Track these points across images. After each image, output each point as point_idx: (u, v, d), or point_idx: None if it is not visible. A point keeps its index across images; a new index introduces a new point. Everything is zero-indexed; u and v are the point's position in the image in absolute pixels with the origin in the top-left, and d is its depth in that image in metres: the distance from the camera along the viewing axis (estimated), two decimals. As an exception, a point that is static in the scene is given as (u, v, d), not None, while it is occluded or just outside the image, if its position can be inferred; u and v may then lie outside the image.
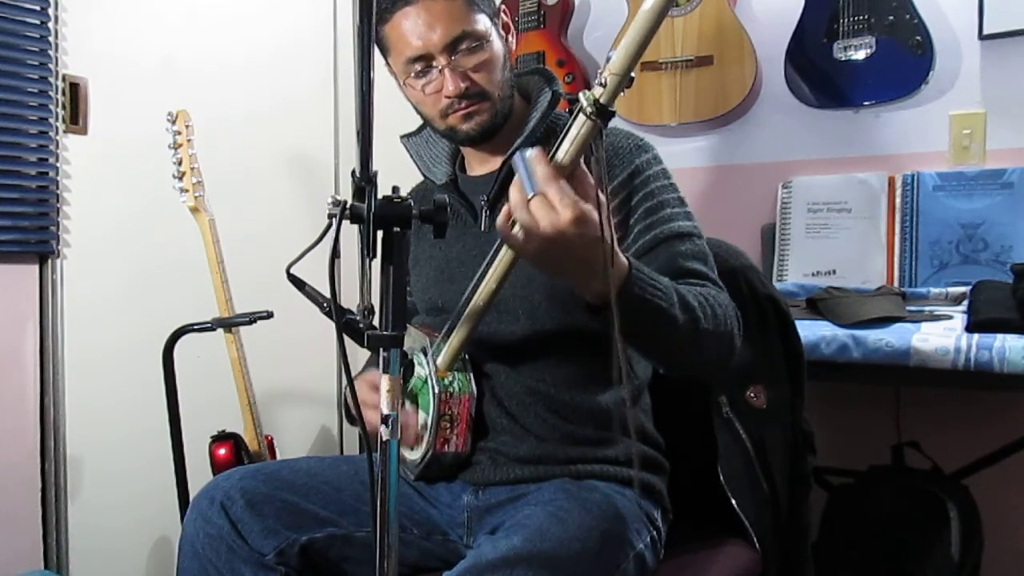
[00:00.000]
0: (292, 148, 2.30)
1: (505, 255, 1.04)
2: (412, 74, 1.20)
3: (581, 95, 0.93)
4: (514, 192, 0.95)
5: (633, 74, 0.92)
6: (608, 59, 0.92)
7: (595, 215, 0.94)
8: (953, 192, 1.99)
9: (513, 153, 1.21)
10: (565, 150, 0.96)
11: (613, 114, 0.93)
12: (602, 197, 0.95)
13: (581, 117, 0.93)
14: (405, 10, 1.17)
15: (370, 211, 0.85)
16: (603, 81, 0.91)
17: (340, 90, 2.40)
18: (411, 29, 1.17)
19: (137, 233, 1.94)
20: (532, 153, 0.95)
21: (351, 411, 1.31)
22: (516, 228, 0.96)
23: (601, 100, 0.92)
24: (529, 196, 0.93)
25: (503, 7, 1.28)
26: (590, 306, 1.02)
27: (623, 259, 1.00)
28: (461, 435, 1.19)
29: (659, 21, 0.89)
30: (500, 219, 0.98)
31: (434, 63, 1.18)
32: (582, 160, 0.97)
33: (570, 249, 0.94)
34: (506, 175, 1.24)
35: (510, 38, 1.27)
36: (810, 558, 1.38)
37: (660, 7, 0.88)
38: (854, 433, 2.05)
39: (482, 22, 1.19)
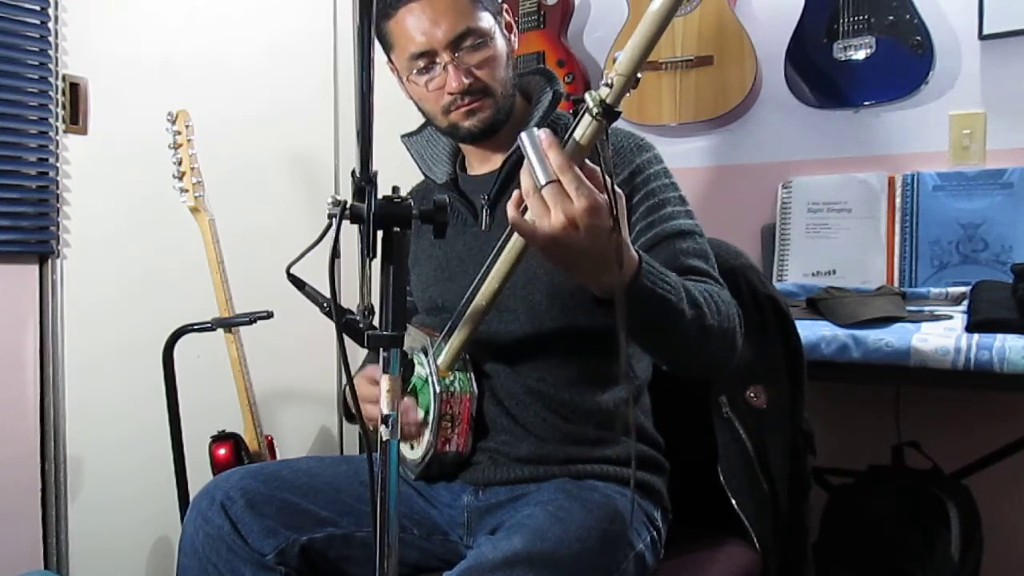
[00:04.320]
0: (292, 148, 2.30)
1: (508, 254, 1.03)
2: (415, 70, 1.20)
3: (587, 95, 0.92)
4: (525, 178, 0.93)
5: (639, 75, 0.92)
6: (614, 60, 0.92)
7: (608, 206, 0.93)
8: (953, 192, 1.99)
9: (512, 157, 1.22)
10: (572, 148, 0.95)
11: (619, 115, 0.93)
12: (616, 190, 0.94)
13: (587, 118, 0.93)
14: (409, 6, 1.17)
15: (370, 211, 0.85)
16: (609, 82, 0.91)
17: (340, 90, 2.40)
18: (415, 25, 1.17)
19: (137, 233, 1.94)
20: (542, 136, 0.92)
21: (350, 409, 1.31)
22: (527, 215, 0.94)
23: (607, 101, 0.91)
24: (542, 183, 0.91)
25: (505, 6, 1.28)
26: (597, 300, 1.01)
27: (633, 252, 0.99)
28: (462, 435, 1.19)
29: (666, 22, 0.89)
30: (511, 206, 0.95)
31: (437, 59, 1.18)
32: (587, 160, 0.97)
33: (582, 240, 0.91)
34: (507, 174, 1.24)
35: (512, 37, 1.27)
36: (810, 558, 1.38)
37: (668, 8, 0.88)
38: (854, 433, 2.05)
39: (486, 19, 1.19)
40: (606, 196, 0.92)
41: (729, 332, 1.12)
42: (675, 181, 1.25)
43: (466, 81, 1.18)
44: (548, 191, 0.90)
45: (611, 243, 0.93)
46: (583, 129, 0.93)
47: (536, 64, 2.43)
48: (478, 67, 1.19)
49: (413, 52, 1.18)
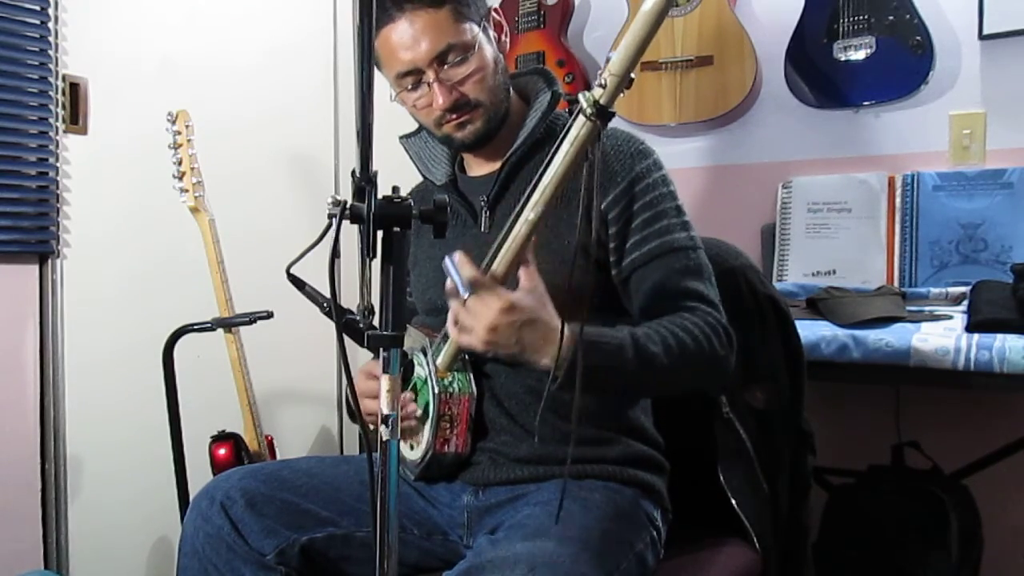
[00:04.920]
0: (292, 148, 2.30)
1: (505, 254, 1.04)
2: (404, 88, 1.21)
3: (581, 96, 0.93)
4: (453, 301, 1.05)
5: (633, 75, 0.92)
6: (608, 60, 0.92)
7: (527, 300, 1.03)
8: (953, 192, 1.99)
9: (511, 159, 1.23)
10: (559, 161, 0.97)
11: (613, 115, 0.94)
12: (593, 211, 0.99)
13: (581, 118, 0.93)
14: (392, 25, 1.17)
15: (370, 211, 0.85)
16: (603, 82, 0.91)
17: (340, 90, 2.40)
18: (399, 43, 1.17)
19: (137, 233, 1.94)
20: (457, 257, 1.04)
21: (351, 406, 1.31)
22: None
23: (601, 101, 0.91)
24: (464, 298, 1.02)
25: (492, 9, 1.27)
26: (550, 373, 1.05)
27: (565, 331, 1.03)
28: (461, 435, 1.19)
29: (659, 22, 0.89)
30: (448, 323, 1.07)
31: (424, 77, 1.18)
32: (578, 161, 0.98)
33: (509, 335, 1.02)
34: (507, 175, 1.24)
35: (503, 38, 1.26)
36: (810, 558, 1.38)
37: (660, 8, 0.88)
38: (854, 433, 2.05)
39: (469, 31, 1.19)
40: (525, 291, 1.04)
41: (702, 363, 1.13)
42: (674, 189, 1.24)
43: (452, 96, 1.18)
44: (469, 303, 1.03)
45: (537, 331, 1.03)
46: (576, 130, 0.94)
47: (536, 64, 2.43)
48: (463, 82, 1.19)
49: (399, 71, 1.19)
